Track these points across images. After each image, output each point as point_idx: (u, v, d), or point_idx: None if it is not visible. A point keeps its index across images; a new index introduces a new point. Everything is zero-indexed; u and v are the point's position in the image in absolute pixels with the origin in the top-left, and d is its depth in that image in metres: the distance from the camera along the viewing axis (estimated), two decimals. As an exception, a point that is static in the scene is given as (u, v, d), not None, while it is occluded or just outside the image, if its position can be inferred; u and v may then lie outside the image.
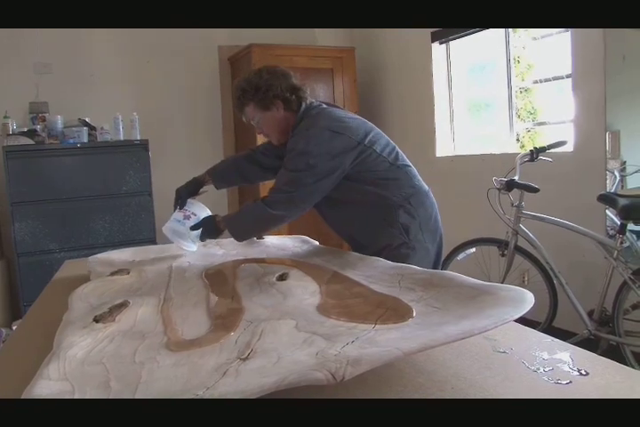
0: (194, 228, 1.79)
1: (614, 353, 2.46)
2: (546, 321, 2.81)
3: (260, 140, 4.07)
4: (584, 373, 0.82)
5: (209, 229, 1.79)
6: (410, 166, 1.82)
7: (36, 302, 1.63)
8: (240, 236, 1.76)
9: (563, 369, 0.84)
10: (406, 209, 1.75)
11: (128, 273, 1.57)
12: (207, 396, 0.63)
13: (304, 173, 1.64)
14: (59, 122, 3.58)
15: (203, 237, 1.81)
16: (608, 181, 2.76)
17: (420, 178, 1.84)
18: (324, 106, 1.84)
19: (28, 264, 3.42)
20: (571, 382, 0.79)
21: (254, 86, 1.77)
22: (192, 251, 1.86)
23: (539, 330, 2.74)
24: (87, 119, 3.69)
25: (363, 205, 1.77)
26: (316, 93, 4.19)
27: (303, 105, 1.81)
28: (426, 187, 1.84)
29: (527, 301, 0.85)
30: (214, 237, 1.84)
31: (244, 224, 1.75)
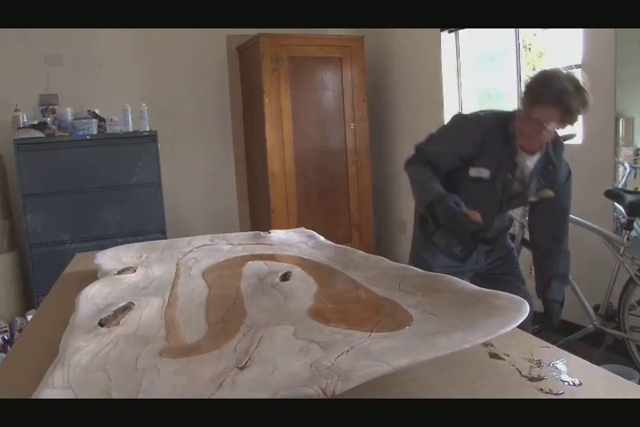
0: None
1: (619, 348, 2.47)
2: (552, 314, 2.81)
3: (272, 144, 4.09)
4: (577, 383, 0.83)
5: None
6: None
7: (45, 299, 1.67)
8: None
9: (556, 378, 0.85)
10: None
11: (134, 271, 1.60)
12: (201, 412, 0.65)
13: None
14: (68, 114, 3.61)
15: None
16: (618, 173, 2.74)
17: None
18: None
19: (40, 255, 3.48)
20: (563, 392, 0.80)
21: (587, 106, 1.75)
22: None
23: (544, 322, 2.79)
24: (96, 111, 3.71)
25: None
26: (325, 82, 4.18)
27: None
28: None
29: (522, 311, 0.86)
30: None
31: None
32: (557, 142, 1.88)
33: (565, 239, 1.93)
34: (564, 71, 1.73)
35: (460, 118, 1.94)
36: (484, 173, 1.84)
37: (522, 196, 1.89)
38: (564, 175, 1.88)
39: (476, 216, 1.65)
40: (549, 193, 1.87)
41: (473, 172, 1.85)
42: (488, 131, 1.82)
